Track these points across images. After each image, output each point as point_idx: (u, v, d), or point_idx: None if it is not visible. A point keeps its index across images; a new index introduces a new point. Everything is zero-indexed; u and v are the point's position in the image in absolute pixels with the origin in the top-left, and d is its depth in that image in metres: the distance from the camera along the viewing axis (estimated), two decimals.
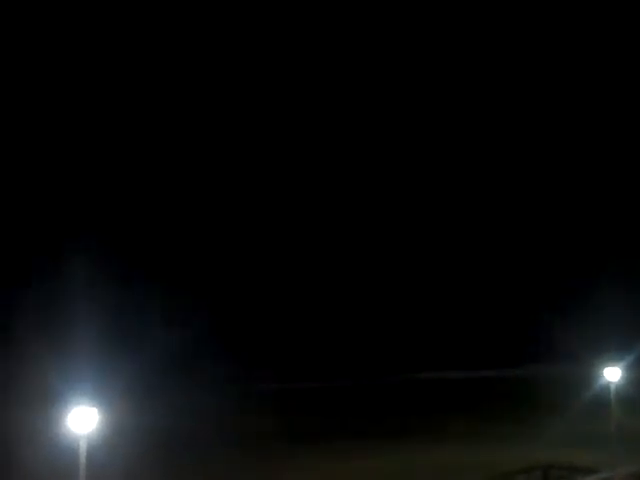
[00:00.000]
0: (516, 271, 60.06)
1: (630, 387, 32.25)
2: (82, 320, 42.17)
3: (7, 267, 51.00)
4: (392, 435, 39.84)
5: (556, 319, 48.76)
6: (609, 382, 29.97)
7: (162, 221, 58.49)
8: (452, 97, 64.01)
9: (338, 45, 61.16)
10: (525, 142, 64.53)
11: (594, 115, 63.56)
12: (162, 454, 32.97)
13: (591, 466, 27.69)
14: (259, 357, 54.85)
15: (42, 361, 36.22)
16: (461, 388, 55.78)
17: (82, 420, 20.92)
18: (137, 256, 54.95)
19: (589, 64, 61.72)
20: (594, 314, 49.05)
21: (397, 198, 63.28)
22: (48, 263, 52.11)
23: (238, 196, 61.78)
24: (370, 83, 63.43)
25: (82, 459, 19.45)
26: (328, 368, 56.25)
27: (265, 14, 59.61)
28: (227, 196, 61.39)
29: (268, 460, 34.15)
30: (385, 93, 64.26)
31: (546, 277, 58.77)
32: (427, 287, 60.72)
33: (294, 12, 60.03)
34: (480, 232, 61.79)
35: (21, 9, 54.91)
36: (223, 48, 59.29)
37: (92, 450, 19.77)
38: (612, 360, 30.45)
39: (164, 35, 58.12)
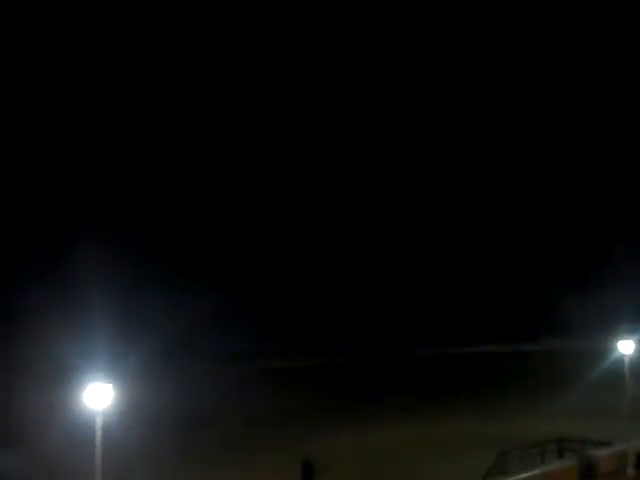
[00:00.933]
0: (530, 247, 59.93)
1: None
2: (97, 297, 42.32)
3: (26, 247, 51.18)
4: (408, 409, 39.97)
5: (570, 293, 48.70)
6: (623, 355, 29.95)
7: (171, 204, 58.54)
8: (452, 97, 63.57)
9: (338, 45, 60.77)
10: (532, 132, 64.13)
11: (600, 109, 63.03)
12: (179, 431, 33.17)
13: (605, 439, 27.74)
14: (276, 334, 55.01)
15: (57, 338, 36.44)
16: (476, 362, 55.85)
17: (98, 396, 21.02)
18: (151, 237, 55.05)
19: (589, 64, 61.27)
20: (608, 288, 48.95)
21: (417, 185, 63.23)
22: (66, 244, 52.27)
23: (243, 184, 61.71)
24: (370, 83, 63.00)
25: (98, 435, 19.58)
26: (345, 344, 56.40)
27: (265, 14, 59.16)
28: (231, 182, 61.31)
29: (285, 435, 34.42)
30: (385, 93, 63.80)
31: (559, 251, 58.61)
32: (444, 266, 60.78)
33: (294, 12, 59.58)
34: (495, 211, 61.65)
35: (21, 9, 54.63)
36: (223, 48, 58.99)
37: (108, 426, 19.88)
38: (626, 333, 30.40)
39: (164, 35, 57.78)
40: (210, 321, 50.50)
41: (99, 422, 20.20)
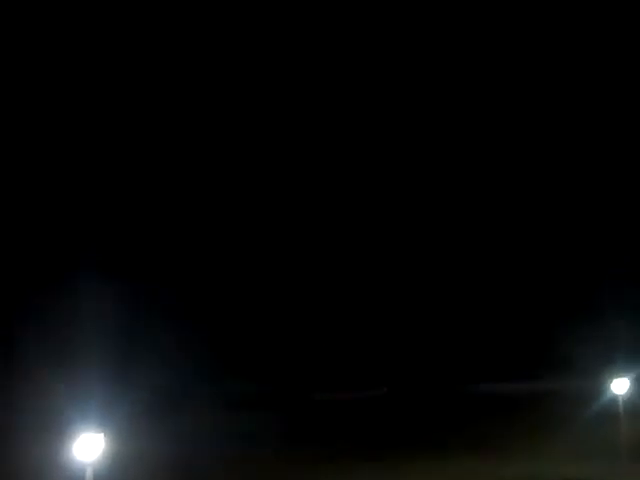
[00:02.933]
0: (525, 287, 59.86)
1: (638, 399, 32.15)
2: (87, 347, 42.16)
3: (12, 290, 50.92)
4: (393, 450, 39.54)
5: (564, 333, 48.66)
6: (617, 394, 29.90)
7: (168, 248, 58.48)
8: (452, 97, 63.67)
9: (338, 45, 61.03)
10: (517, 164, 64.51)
11: (605, 121, 63.29)
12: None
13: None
14: (267, 374, 54.62)
15: (47, 387, 36.21)
16: (469, 401, 55.57)
17: (88, 447, 20.84)
18: (143, 281, 54.83)
19: (589, 64, 61.44)
20: (601, 327, 48.91)
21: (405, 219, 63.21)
22: (54, 287, 52.00)
23: (237, 214, 61.61)
24: (370, 83, 63.17)
25: None
26: (338, 380, 56.00)
27: (265, 14, 59.55)
28: (226, 215, 61.22)
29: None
30: (385, 93, 63.92)
31: (554, 292, 58.59)
32: (438, 304, 60.61)
33: (294, 12, 60.05)
34: (490, 245, 61.65)
35: (21, 9, 54.88)
36: (223, 48, 59.28)
37: (99, 478, 19.70)
38: (620, 373, 30.37)
39: (164, 35, 58.06)
40: (202, 369, 50.21)
41: (90, 474, 20.04)
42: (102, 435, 20.91)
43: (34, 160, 56.53)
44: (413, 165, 64.44)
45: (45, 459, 29.84)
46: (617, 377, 29.69)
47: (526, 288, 60.04)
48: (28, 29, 55.15)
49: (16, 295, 50.79)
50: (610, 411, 32.35)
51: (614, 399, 30.32)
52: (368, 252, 62.82)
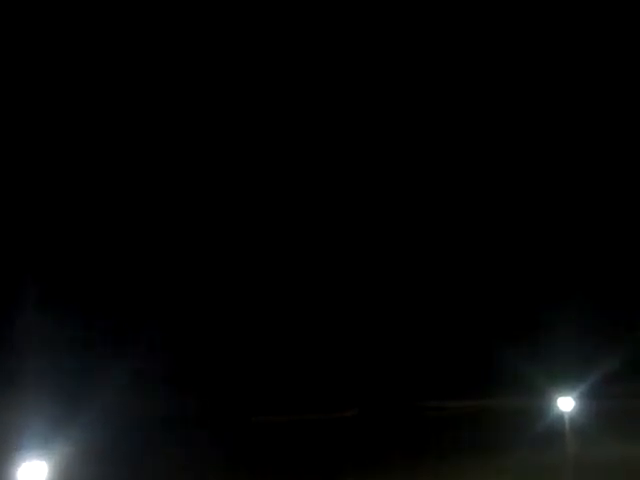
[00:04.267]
0: (470, 304, 60.23)
1: (583, 417, 32.50)
2: (31, 371, 41.44)
3: None
4: (346, 468, 39.26)
5: (511, 350, 49.04)
6: (563, 412, 30.23)
7: (116, 257, 57.83)
8: (452, 97, 63.85)
9: (338, 45, 61.04)
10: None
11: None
12: None
13: None
14: (225, 394, 54.20)
15: None
16: (414, 419, 55.66)
17: (32, 474, 20.58)
18: (88, 300, 54.15)
19: (589, 64, 62.15)
20: (547, 345, 49.45)
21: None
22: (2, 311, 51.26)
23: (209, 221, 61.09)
24: (370, 83, 63.15)
25: None
26: (298, 401, 55.69)
27: (265, 14, 59.38)
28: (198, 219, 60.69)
29: None
30: (385, 93, 63.92)
31: (499, 309, 59.06)
32: (381, 320, 60.62)
33: (294, 12, 59.98)
34: (437, 263, 61.98)
35: (21, 9, 54.17)
36: (223, 48, 58.98)
37: None
38: (565, 391, 30.72)
39: (164, 34, 57.62)
40: (152, 386, 49.72)
41: None
42: (45, 462, 20.65)
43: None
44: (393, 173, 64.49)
45: None
46: (563, 395, 30.02)
47: (472, 305, 60.44)
48: (28, 29, 54.38)
49: None
50: (556, 429, 32.64)
51: (560, 417, 30.63)
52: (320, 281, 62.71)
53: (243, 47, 61.21)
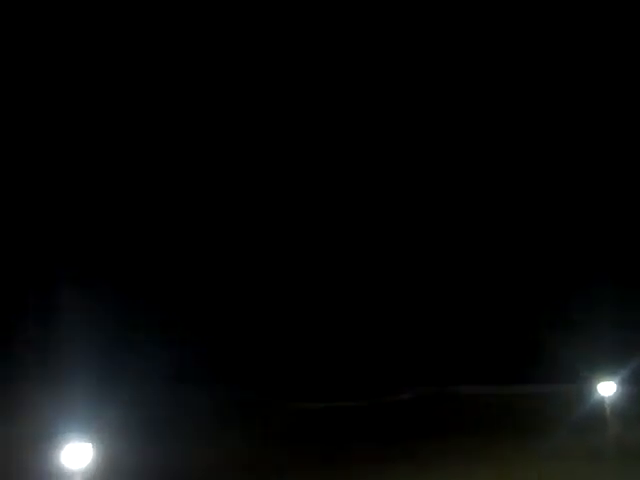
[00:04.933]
0: (511, 290, 59.97)
1: (624, 402, 32.30)
2: (75, 353, 42.03)
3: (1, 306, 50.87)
4: (377, 459, 39.35)
5: (551, 336, 48.83)
6: (604, 397, 30.07)
7: (158, 248, 58.34)
8: (452, 97, 63.58)
9: (338, 45, 60.95)
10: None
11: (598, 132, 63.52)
12: None
13: None
14: (257, 381, 54.48)
15: (35, 396, 36.14)
16: (457, 406, 55.54)
17: (76, 456, 20.89)
18: (131, 285, 54.71)
19: (589, 64, 61.59)
20: (588, 329, 49.11)
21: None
22: (38, 295, 51.92)
23: (234, 216, 61.33)
24: (370, 83, 63.04)
25: None
26: (331, 388, 55.81)
27: (265, 14, 59.45)
28: (223, 217, 60.97)
29: None
30: (385, 93, 63.77)
31: (541, 294, 58.74)
32: (425, 305, 60.55)
33: (294, 12, 60.01)
34: (474, 250, 61.80)
35: (21, 9, 54.67)
36: (223, 48, 59.16)
37: None
38: (606, 375, 30.55)
39: (163, 34, 57.90)
40: (194, 371, 50.18)
41: None
42: (90, 444, 20.96)
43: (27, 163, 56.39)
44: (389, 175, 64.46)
45: (33, 468, 29.76)
46: (604, 380, 29.85)
47: (511, 290, 60.14)
48: (28, 29, 54.91)
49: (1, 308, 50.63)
50: (596, 414, 32.49)
51: (601, 402, 30.47)
52: (343, 263, 62.73)
53: (243, 47, 61.14)
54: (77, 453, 20.62)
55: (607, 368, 32.29)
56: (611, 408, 30.06)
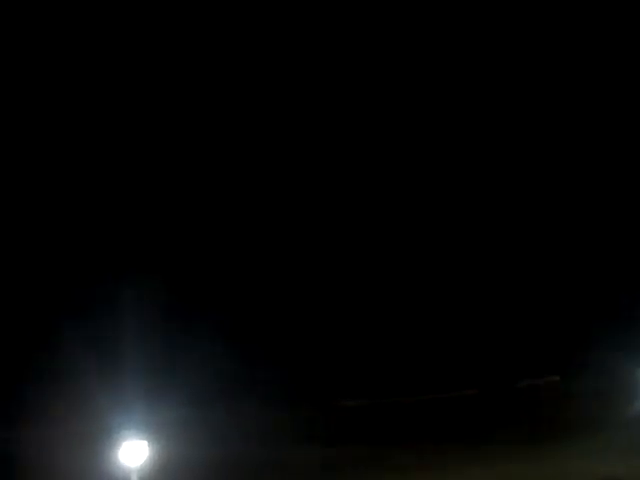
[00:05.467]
0: (561, 285, 59.45)
1: None
2: (131, 353, 42.58)
3: (55, 297, 51.65)
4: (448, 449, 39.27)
5: (602, 330, 48.32)
6: None
7: (211, 252, 58.84)
8: (452, 97, 63.30)
9: (338, 45, 60.93)
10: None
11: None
12: None
13: None
14: (315, 377, 54.52)
15: (92, 394, 36.68)
16: (501, 400, 55.05)
17: (133, 453, 21.22)
18: (186, 287, 55.20)
19: (589, 64, 61.03)
20: (633, 324, 48.53)
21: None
22: (98, 293, 52.63)
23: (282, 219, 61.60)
24: (370, 83, 62.93)
25: None
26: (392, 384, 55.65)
27: (265, 14, 59.66)
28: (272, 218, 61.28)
29: None
30: (385, 93, 63.61)
31: (585, 290, 58.21)
32: (476, 301, 60.28)
33: (294, 12, 60.14)
34: (520, 249, 61.49)
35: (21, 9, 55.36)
36: (223, 48, 59.47)
37: None
38: None
39: (163, 34, 58.31)
40: (250, 370, 50.44)
41: None
42: (146, 442, 21.27)
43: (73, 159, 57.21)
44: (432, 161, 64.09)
45: (90, 466, 30.25)
46: None
47: (556, 286, 59.58)
48: (28, 28, 55.60)
49: (55, 304, 51.38)
50: None
51: None
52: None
53: (243, 47, 61.18)
54: (134, 451, 20.93)
55: None
56: None
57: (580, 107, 63.74)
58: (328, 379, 56.93)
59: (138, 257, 56.08)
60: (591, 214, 62.83)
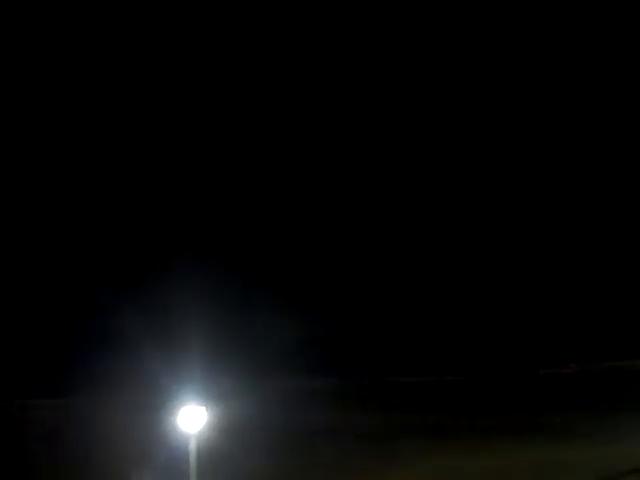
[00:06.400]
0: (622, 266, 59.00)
1: None
2: (190, 319, 43.11)
3: (118, 268, 52.47)
4: (494, 433, 39.11)
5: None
6: None
7: (273, 225, 59.25)
8: (452, 97, 62.88)
9: (338, 45, 60.67)
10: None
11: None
12: (273, 453, 33.23)
13: None
14: (367, 354, 54.70)
15: (151, 360, 37.21)
16: (553, 383, 54.55)
17: (191, 419, 21.48)
18: (247, 259, 55.69)
19: (589, 64, 60.19)
20: None
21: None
22: (159, 264, 53.40)
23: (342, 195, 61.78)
24: (370, 83, 62.65)
25: (192, 458, 20.01)
26: (441, 363, 55.58)
27: (265, 14, 59.51)
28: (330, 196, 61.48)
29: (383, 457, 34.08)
30: (385, 93, 63.35)
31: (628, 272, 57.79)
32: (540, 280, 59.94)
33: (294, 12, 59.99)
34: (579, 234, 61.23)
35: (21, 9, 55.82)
36: (223, 48, 59.46)
37: (202, 449, 20.24)
38: None
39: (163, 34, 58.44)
40: (306, 340, 50.76)
41: (193, 445, 20.64)
42: (204, 408, 21.53)
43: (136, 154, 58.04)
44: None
45: (150, 432, 30.74)
46: None
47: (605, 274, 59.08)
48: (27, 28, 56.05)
49: (112, 269, 52.20)
50: None
51: None
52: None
53: (243, 47, 60.78)
54: (192, 417, 21.20)
55: None
56: None
57: (580, 107, 62.88)
58: (380, 355, 57.16)
59: (201, 230, 56.76)
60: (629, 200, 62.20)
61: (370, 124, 62.82)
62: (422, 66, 62.69)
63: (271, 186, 60.21)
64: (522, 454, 33.49)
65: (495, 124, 63.48)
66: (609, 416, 40.04)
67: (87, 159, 56.66)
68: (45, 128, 56.43)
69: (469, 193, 62.84)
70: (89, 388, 42.05)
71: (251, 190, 59.45)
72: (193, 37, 59.57)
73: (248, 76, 60.83)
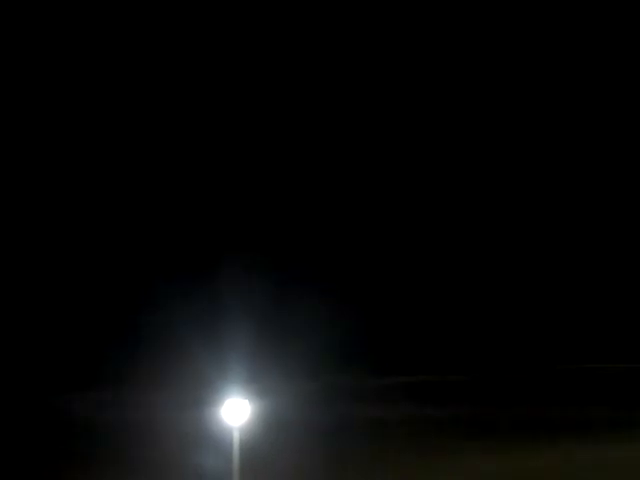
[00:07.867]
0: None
1: None
2: (235, 315, 43.30)
3: (166, 265, 52.82)
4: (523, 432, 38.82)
5: None
6: None
7: (315, 217, 59.27)
8: (452, 97, 62.31)
9: (338, 45, 60.35)
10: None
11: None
12: (314, 447, 33.29)
13: None
14: (406, 350, 54.53)
15: (197, 354, 37.46)
16: (566, 381, 53.93)
17: (235, 412, 21.58)
18: (293, 255, 55.80)
19: (589, 64, 59.40)
20: None
21: None
22: (207, 261, 53.61)
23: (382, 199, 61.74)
24: (370, 83, 62.22)
25: (235, 451, 20.10)
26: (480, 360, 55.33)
27: (265, 14, 59.33)
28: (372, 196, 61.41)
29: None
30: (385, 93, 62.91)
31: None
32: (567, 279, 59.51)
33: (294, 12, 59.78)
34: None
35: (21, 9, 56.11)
36: (223, 48, 59.39)
37: (245, 442, 20.32)
38: None
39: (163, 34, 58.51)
40: (346, 339, 50.72)
41: (236, 437, 20.74)
42: (247, 401, 21.63)
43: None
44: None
45: (194, 424, 30.94)
46: None
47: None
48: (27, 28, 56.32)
49: (159, 263, 52.56)
50: None
51: None
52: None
53: (243, 47, 60.43)
54: (236, 410, 21.31)
55: None
56: None
57: (580, 107, 62.04)
58: (419, 353, 57.04)
59: (247, 227, 57.01)
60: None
61: (385, 126, 62.78)
62: (422, 66, 62.31)
63: (314, 189, 60.30)
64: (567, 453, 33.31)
65: (496, 124, 63.06)
66: None
67: (139, 157, 57.13)
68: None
69: (471, 194, 62.50)
70: (135, 382, 42.43)
71: (297, 191, 59.60)
72: (195, 38, 59.78)
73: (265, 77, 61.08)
